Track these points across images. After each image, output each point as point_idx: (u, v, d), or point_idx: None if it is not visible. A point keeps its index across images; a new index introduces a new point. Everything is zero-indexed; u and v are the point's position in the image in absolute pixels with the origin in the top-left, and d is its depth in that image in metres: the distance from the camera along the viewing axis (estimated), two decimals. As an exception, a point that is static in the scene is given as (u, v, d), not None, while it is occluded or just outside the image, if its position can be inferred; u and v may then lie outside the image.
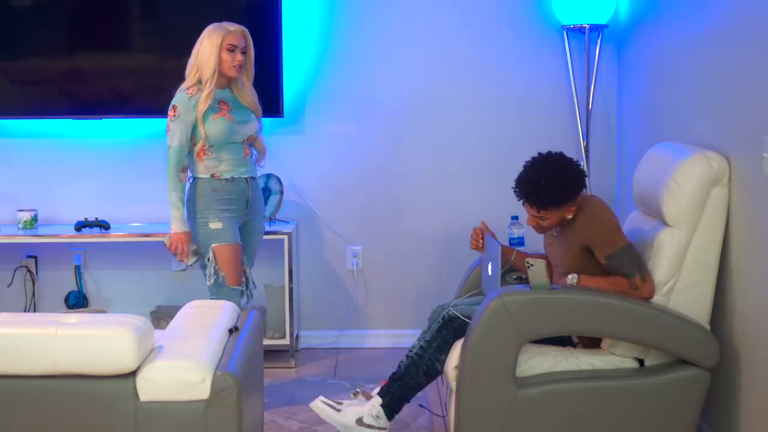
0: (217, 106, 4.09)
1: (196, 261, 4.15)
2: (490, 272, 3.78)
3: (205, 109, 4.03)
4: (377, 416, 3.70)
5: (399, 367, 3.88)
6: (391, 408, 3.73)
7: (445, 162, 5.22)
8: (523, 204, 3.61)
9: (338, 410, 3.74)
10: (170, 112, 4.06)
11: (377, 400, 3.73)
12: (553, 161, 3.56)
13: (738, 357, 3.42)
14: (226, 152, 4.11)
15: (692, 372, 3.40)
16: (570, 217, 3.57)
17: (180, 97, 4.07)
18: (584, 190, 3.60)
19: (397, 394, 3.73)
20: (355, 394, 3.85)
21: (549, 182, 3.50)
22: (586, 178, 3.66)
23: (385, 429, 3.76)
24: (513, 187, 3.60)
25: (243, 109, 4.16)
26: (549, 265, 3.59)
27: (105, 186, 5.22)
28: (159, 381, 2.74)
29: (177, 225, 4.08)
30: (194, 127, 4.06)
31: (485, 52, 5.19)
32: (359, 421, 3.75)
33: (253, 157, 4.24)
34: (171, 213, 4.08)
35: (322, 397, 3.81)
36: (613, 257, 3.48)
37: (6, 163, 5.22)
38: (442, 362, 3.69)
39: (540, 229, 3.64)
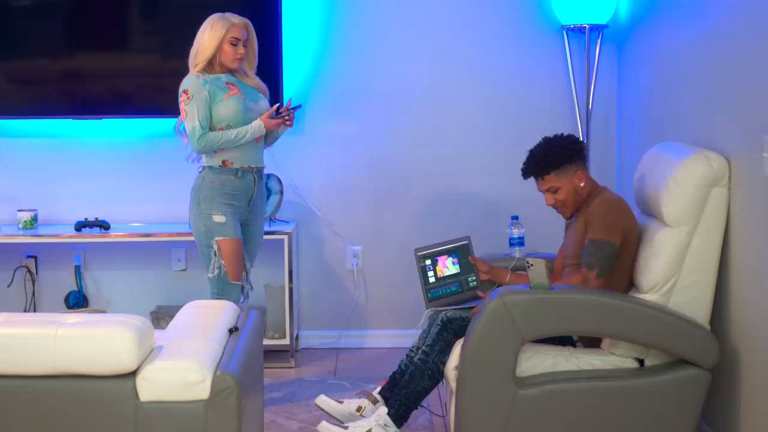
0: (226, 86, 4.11)
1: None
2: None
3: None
4: (385, 425, 3.69)
5: (399, 366, 3.89)
6: (399, 416, 3.72)
7: (445, 162, 5.23)
8: (537, 188, 3.74)
9: (345, 427, 3.72)
10: (182, 97, 4.08)
11: (383, 410, 3.72)
12: (545, 137, 3.79)
13: (738, 357, 3.42)
14: None
15: (692, 372, 3.40)
16: (582, 185, 3.66)
17: (188, 80, 4.10)
18: (584, 154, 3.75)
19: (404, 402, 3.72)
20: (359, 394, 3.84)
21: (539, 149, 3.72)
22: (584, 144, 3.78)
23: None
24: (521, 174, 3.76)
25: (251, 90, 4.21)
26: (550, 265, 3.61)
27: (105, 186, 5.22)
28: (159, 381, 2.73)
29: (259, 127, 4.10)
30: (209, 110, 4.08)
31: (485, 53, 5.19)
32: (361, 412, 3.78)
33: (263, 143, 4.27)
34: (251, 137, 4.09)
35: (325, 422, 3.79)
36: (594, 243, 3.52)
37: (6, 163, 5.22)
38: (444, 362, 3.68)
39: (558, 204, 3.70)
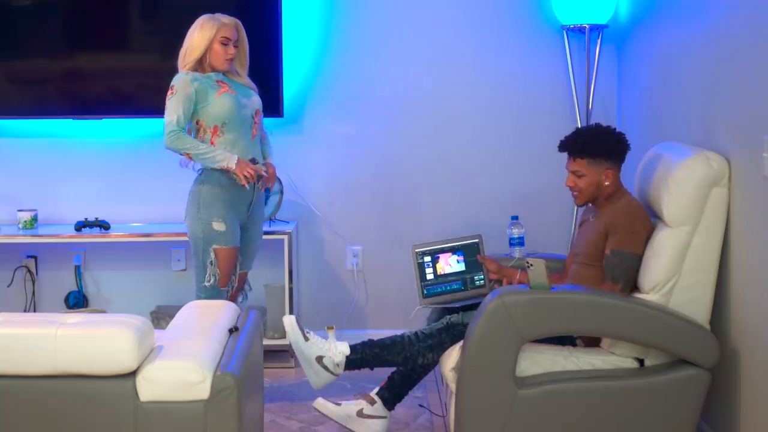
0: (216, 84, 4.10)
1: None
2: None
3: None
4: (338, 364, 3.69)
5: (398, 367, 3.89)
6: (350, 362, 3.72)
7: (445, 162, 5.23)
8: (565, 165, 3.73)
9: (338, 404, 3.79)
10: (168, 93, 4.07)
11: (345, 348, 3.71)
12: (597, 124, 3.81)
13: (738, 357, 3.42)
14: (237, 133, 4.10)
15: (692, 372, 3.40)
16: (607, 183, 3.64)
17: (177, 76, 4.10)
18: (624, 153, 3.72)
19: (367, 358, 3.73)
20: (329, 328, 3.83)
21: (585, 131, 3.76)
22: (627, 147, 3.75)
23: (384, 417, 3.80)
24: (558, 145, 3.76)
25: (242, 87, 4.20)
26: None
27: (105, 186, 5.22)
28: (159, 381, 2.73)
29: (230, 159, 4.03)
30: (198, 111, 4.06)
31: (485, 53, 5.19)
32: (360, 413, 3.79)
33: (260, 141, 4.27)
34: (216, 161, 4.02)
35: (320, 399, 3.83)
36: (618, 255, 3.50)
37: (6, 163, 5.22)
38: (428, 359, 3.69)
39: (576, 190, 3.68)
